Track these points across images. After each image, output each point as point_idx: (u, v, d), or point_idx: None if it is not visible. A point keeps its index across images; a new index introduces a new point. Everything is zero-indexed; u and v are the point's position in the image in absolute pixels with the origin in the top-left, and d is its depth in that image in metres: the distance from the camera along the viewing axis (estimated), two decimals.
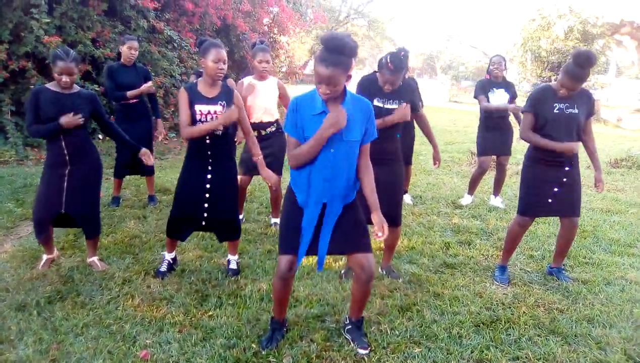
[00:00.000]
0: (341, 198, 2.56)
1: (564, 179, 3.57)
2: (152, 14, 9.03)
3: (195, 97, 3.29)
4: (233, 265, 3.71)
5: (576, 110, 3.49)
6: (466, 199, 5.95)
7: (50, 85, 3.44)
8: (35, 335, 2.79)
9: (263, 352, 2.68)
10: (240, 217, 4.91)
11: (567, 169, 3.56)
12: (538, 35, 19.40)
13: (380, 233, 2.52)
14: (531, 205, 3.68)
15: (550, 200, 3.60)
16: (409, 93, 3.49)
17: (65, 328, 2.86)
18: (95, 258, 3.72)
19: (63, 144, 3.43)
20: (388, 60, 3.27)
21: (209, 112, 3.29)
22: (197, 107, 3.28)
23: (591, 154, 3.70)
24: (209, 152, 3.37)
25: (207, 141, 3.34)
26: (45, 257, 3.69)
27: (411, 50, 5.76)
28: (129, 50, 4.98)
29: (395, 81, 3.35)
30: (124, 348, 2.70)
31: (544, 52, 19.13)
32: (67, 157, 3.45)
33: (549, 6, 19.17)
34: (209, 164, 3.39)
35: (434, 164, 4.06)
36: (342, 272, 3.72)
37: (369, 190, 2.58)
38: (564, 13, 18.72)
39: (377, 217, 2.55)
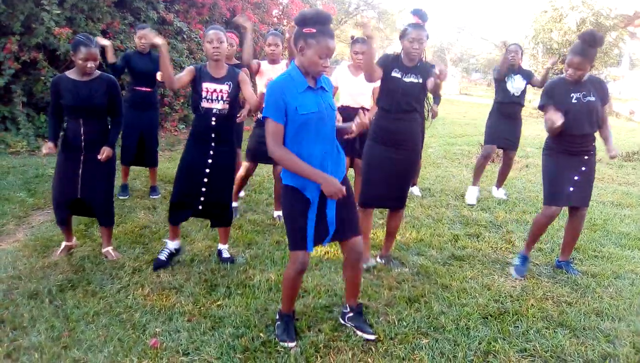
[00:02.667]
0: (334, 165, 2.61)
1: (583, 168, 3.56)
2: (162, 5, 9.04)
3: (202, 76, 3.40)
4: (225, 254, 3.75)
5: (593, 98, 3.45)
6: (471, 193, 5.66)
7: (70, 73, 3.48)
8: (47, 323, 2.83)
9: (273, 342, 2.69)
10: (236, 204, 4.82)
11: (586, 157, 3.55)
12: (550, 27, 19.16)
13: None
14: (556, 195, 3.62)
15: (572, 188, 3.57)
16: (425, 72, 3.48)
17: (76, 316, 2.90)
18: (110, 249, 3.75)
19: (82, 130, 3.46)
20: (412, 14, 3.36)
21: (214, 90, 3.37)
22: (204, 85, 3.37)
23: (605, 139, 3.64)
24: (212, 135, 3.41)
25: (213, 123, 3.38)
26: (63, 244, 3.74)
27: None
28: (139, 40, 5.15)
29: (421, 38, 3.35)
30: (134, 336, 2.74)
31: (555, 44, 18.91)
32: (82, 143, 3.48)
33: None
34: (211, 148, 3.43)
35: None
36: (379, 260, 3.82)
37: None
38: (577, 5, 18.46)
39: None
